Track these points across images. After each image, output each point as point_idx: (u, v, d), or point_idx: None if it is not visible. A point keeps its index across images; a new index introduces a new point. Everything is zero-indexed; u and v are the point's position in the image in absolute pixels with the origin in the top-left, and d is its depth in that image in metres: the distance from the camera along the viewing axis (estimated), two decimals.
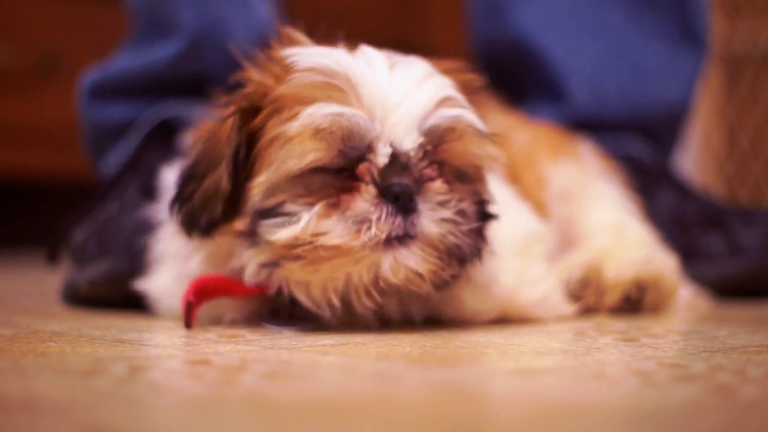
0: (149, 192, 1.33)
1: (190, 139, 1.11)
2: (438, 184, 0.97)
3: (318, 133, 0.95)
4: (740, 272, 1.52)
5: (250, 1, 1.47)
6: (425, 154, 0.98)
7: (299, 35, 1.06)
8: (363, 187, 0.96)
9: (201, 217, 1.00)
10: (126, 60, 1.50)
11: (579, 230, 1.33)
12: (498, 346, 0.95)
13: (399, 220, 0.95)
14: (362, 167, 0.96)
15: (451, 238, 0.98)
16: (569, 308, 1.17)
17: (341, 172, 0.97)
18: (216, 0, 1.45)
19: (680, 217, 1.56)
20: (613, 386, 0.77)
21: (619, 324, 1.16)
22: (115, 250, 1.25)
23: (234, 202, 1.00)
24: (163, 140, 1.43)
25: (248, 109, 1.00)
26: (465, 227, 0.98)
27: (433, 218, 0.97)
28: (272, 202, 0.97)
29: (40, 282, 1.68)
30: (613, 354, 0.93)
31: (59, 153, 2.48)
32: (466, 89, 1.03)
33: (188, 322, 1.05)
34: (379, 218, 0.95)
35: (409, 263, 0.96)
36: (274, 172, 0.97)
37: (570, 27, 1.65)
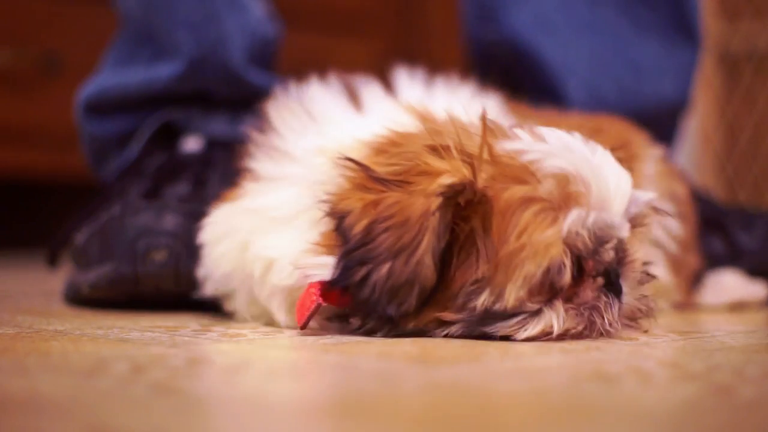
0: (150, 195, 1.33)
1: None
2: (638, 264, 1.02)
3: (575, 243, 0.95)
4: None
5: (245, 7, 1.46)
6: None
7: (502, 126, 1.01)
8: (591, 278, 0.99)
9: (387, 306, 0.96)
10: (120, 74, 1.48)
11: None
12: (498, 346, 0.95)
13: (618, 304, 1.00)
14: (592, 263, 0.98)
15: (643, 308, 1.03)
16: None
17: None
18: (213, 19, 1.43)
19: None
20: (612, 386, 0.78)
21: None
22: (117, 253, 1.25)
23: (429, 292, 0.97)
24: (164, 144, 1.43)
25: (455, 203, 0.96)
26: (650, 298, 1.03)
27: (633, 296, 1.02)
28: (510, 306, 0.97)
29: (42, 282, 1.68)
30: (612, 353, 0.93)
31: (61, 153, 2.48)
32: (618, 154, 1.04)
33: (306, 324, 1.01)
34: (606, 306, 0.99)
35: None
36: (532, 283, 0.95)
37: (564, 26, 1.65)
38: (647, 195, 1.02)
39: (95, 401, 0.71)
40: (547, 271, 0.95)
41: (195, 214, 1.24)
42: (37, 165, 2.55)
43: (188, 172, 1.36)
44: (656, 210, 1.03)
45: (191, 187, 1.34)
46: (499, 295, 0.96)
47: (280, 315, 1.06)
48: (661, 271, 1.33)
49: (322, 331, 1.03)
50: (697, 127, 2.71)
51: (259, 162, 1.12)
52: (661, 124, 1.68)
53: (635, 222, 1.01)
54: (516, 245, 0.95)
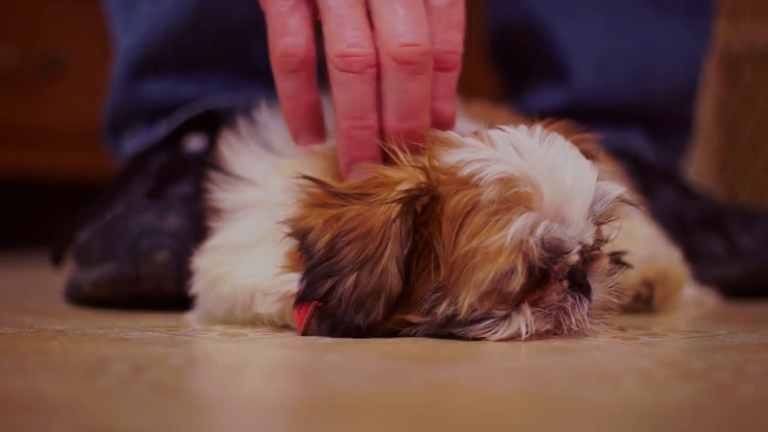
0: (153, 195, 1.32)
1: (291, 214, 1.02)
2: (604, 261, 1.02)
3: (526, 249, 0.94)
4: (739, 275, 1.52)
5: None
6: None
7: (447, 136, 1.00)
8: (556, 281, 0.98)
9: (355, 316, 0.96)
10: (137, 20, 1.44)
11: None
12: (498, 345, 0.96)
13: (585, 303, 1.00)
14: (557, 268, 0.98)
15: (613, 300, 1.03)
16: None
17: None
18: None
19: (680, 218, 1.57)
20: (613, 385, 0.78)
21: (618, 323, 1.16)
22: (119, 253, 1.25)
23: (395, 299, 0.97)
24: (168, 143, 1.43)
25: (412, 209, 0.96)
26: (620, 288, 1.03)
27: (601, 291, 1.01)
28: (475, 313, 0.97)
29: (43, 281, 1.68)
30: (612, 353, 0.94)
31: (63, 153, 2.49)
32: (581, 148, 1.03)
33: (307, 329, 1.00)
34: (573, 306, 0.99)
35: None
36: (481, 290, 0.95)
37: (580, 3, 1.64)
38: (616, 190, 1.00)
39: (95, 401, 0.71)
40: (495, 278, 0.95)
41: (198, 215, 1.24)
42: (38, 165, 2.55)
43: (191, 172, 1.36)
44: (627, 203, 1.02)
45: (194, 187, 1.34)
46: (456, 304, 0.96)
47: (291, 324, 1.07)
48: (676, 262, 1.33)
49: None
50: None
51: (219, 197, 1.13)
52: (670, 111, 1.67)
53: (604, 218, 1.00)
54: (465, 251, 0.95)
